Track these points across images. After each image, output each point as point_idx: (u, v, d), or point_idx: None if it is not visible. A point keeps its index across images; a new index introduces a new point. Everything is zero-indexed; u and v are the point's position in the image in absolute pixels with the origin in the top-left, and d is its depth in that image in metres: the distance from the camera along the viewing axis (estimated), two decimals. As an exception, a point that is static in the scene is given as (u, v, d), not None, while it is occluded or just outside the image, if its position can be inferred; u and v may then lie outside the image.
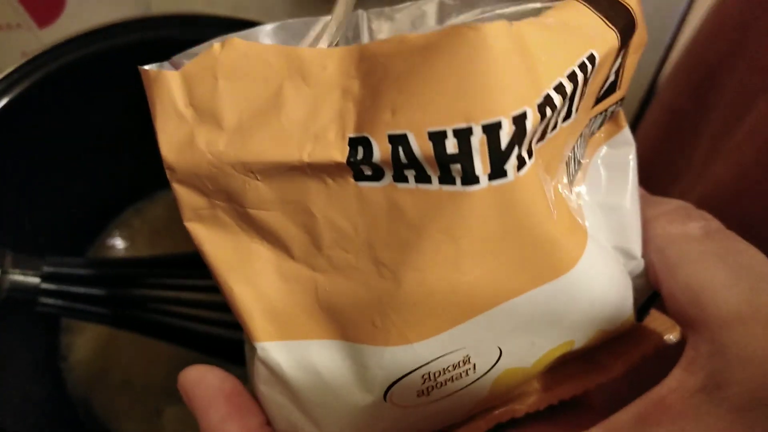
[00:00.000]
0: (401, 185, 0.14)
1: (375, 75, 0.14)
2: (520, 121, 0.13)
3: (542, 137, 0.14)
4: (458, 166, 0.13)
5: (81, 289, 0.27)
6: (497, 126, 0.13)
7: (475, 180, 0.13)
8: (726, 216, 0.20)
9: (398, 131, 0.13)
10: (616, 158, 0.19)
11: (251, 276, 0.16)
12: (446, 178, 0.13)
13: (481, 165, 0.13)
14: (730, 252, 0.16)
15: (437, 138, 0.13)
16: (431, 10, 0.19)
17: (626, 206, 0.18)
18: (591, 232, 0.16)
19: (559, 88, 0.14)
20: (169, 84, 0.15)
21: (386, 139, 0.13)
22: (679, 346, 0.16)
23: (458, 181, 0.13)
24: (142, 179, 0.38)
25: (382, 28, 0.19)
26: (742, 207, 0.30)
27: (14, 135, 0.30)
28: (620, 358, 0.19)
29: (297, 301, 0.16)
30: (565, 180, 0.17)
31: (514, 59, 0.13)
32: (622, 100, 0.18)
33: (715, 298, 0.16)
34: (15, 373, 0.31)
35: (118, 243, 0.37)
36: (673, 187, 0.34)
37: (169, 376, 0.34)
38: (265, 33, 0.18)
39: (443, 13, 0.18)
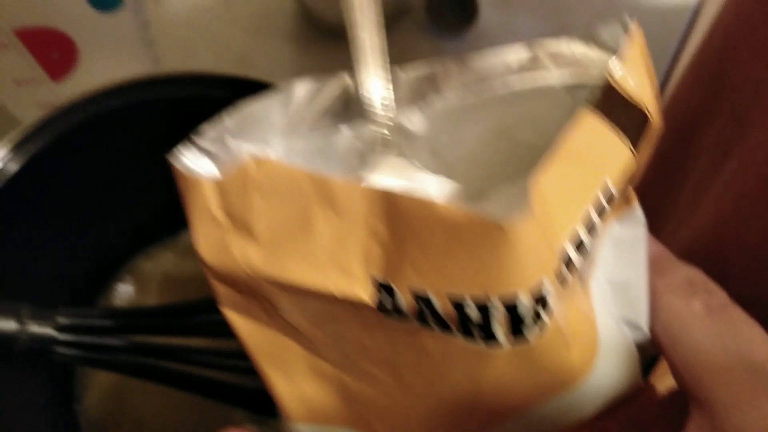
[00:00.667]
0: (426, 330, 0.15)
1: (401, 227, 0.14)
2: (537, 290, 0.14)
3: (563, 281, 0.15)
4: (480, 330, 0.14)
5: (96, 339, 0.28)
6: (516, 298, 0.13)
7: (496, 343, 0.14)
8: (707, 263, 0.20)
9: (421, 291, 0.14)
10: (627, 236, 0.19)
11: (284, 365, 0.17)
12: (469, 337, 0.14)
13: (501, 332, 0.14)
14: (731, 333, 0.17)
15: (459, 303, 0.14)
16: (446, 71, 0.20)
17: (636, 282, 0.19)
18: (599, 309, 0.17)
19: (577, 242, 0.14)
20: (204, 190, 0.16)
21: (410, 294, 0.14)
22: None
23: (481, 341, 0.14)
24: (153, 226, 0.40)
25: (395, 92, 0.20)
26: (723, 254, 0.31)
27: (30, 187, 0.31)
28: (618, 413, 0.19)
29: (325, 393, 0.17)
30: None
31: (534, 244, 0.13)
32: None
33: (715, 382, 0.16)
34: (29, 415, 0.32)
35: (129, 288, 0.38)
36: (658, 231, 0.35)
37: (182, 420, 0.35)
38: (275, 104, 0.19)
39: (456, 75, 0.20)
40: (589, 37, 0.19)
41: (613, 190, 0.16)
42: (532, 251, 0.13)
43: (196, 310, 0.30)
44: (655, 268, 0.19)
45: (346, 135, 0.19)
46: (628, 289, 0.18)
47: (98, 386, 0.36)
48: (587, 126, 0.15)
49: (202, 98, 0.32)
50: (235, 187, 0.15)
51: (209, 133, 0.18)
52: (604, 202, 0.15)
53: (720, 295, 0.18)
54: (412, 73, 0.21)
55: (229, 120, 0.18)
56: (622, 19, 0.19)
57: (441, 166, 0.21)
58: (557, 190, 0.14)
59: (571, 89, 0.19)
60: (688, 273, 0.19)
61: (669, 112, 0.40)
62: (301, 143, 0.19)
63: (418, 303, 0.14)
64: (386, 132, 0.20)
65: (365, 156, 0.20)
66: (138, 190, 0.37)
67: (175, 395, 0.35)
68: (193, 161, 0.17)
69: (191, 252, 0.41)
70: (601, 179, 0.15)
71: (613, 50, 0.19)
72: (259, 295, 0.16)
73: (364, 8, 0.20)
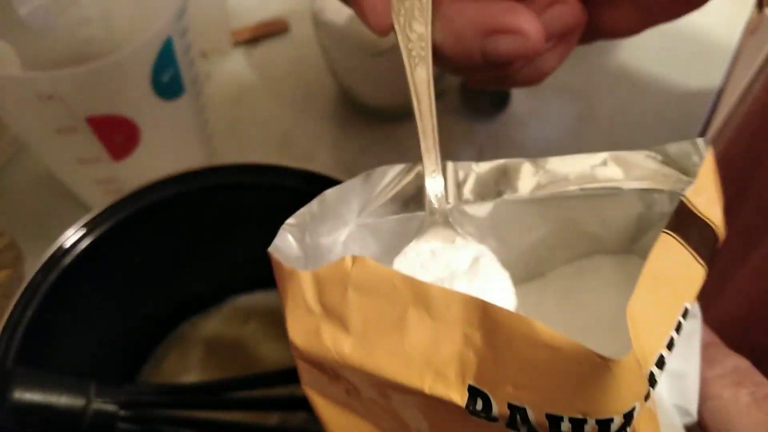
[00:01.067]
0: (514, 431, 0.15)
1: (497, 338, 0.15)
2: (630, 413, 0.15)
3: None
4: None
5: (156, 413, 0.30)
6: (609, 421, 0.14)
7: None
8: (736, 347, 0.22)
9: (518, 404, 0.15)
10: (687, 329, 0.19)
11: None
12: None
13: None
14: None
15: (555, 419, 0.14)
16: (521, 168, 0.21)
17: (691, 372, 0.20)
18: (658, 397, 0.18)
19: (660, 363, 0.16)
20: (301, 281, 0.17)
21: (506, 405, 0.15)
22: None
23: None
24: (196, 296, 0.42)
25: (468, 185, 0.21)
26: (750, 342, 0.32)
27: (94, 265, 0.34)
28: None
29: None
30: None
31: (632, 375, 0.14)
32: None
33: None
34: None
35: (174, 358, 0.40)
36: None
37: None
38: (356, 190, 0.20)
39: (531, 174, 0.21)
40: (661, 152, 0.21)
41: (689, 307, 0.17)
42: (630, 381, 0.14)
43: (252, 384, 0.31)
44: (705, 356, 0.20)
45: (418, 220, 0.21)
46: (683, 379, 0.20)
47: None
48: (668, 250, 0.17)
49: (257, 186, 0.34)
50: (331, 281, 0.16)
51: (300, 222, 0.19)
52: (682, 320, 0.16)
53: (766, 387, 0.19)
54: (486, 166, 0.22)
55: (314, 207, 0.20)
56: (694, 141, 0.20)
57: (505, 249, 0.22)
58: (647, 319, 0.15)
59: (641, 193, 0.21)
60: (736, 363, 0.20)
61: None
62: (378, 225, 0.21)
63: (512, 412, 0.15)
64: (440, 220, 0.21)
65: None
66: (188, 266, 0.39)
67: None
68: (290, 252, 0.18)
69: (234, 319, 0.43)
70: (682, 302, 0.16)
71: (683, 168, 0.20)
72: (346, 380, 0.17)
73: (428, 101, 0.22)
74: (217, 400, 0.31)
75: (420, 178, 0.21)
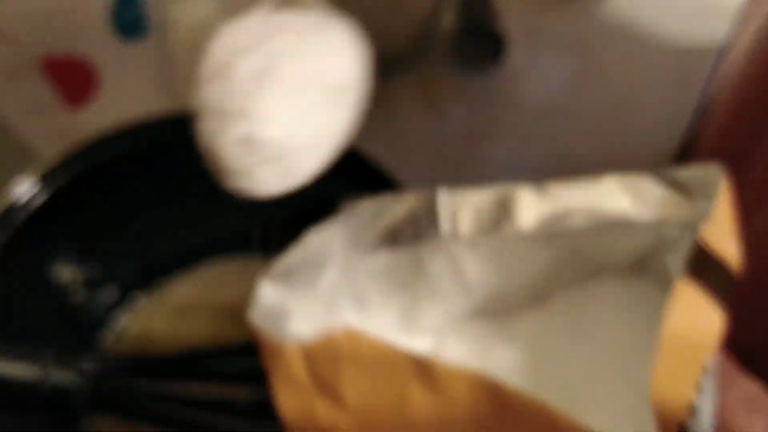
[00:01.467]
0: None
1: (508, 417, 0.14)
2: None
3: None
4: None
5: (122, 385, 0.27)
6: None
7: None
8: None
9: None
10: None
11: None
12: None
13: None
14: None
15: None
16: (522, 197, 0.20)
17: (705, 407, 0.19)
18: None
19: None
20: (288, 356, 0.16)
21: None
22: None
23: None
24: (164, 257, 0.38)
25: (463, 217, 0.19)
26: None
27: (50, 221, 0.30)
28: None
29: None
30: None
31: None
32: None
33: None
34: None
35: (138, 326, 0.37)
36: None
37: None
38: (338, 230, 0.20)
39: (533, 204, 0.20)
40: (671, 178, 0.20)
41: (709, 362, 0.17)
42: None
43: (225, 354, 0.29)
44: (721, 381, 0.20)
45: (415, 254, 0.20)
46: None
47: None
48: (686, 302, 0.16)
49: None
50: (323, 355, 0.15)
51: (282, 271, 0.18)
52: (702, 380, 0.16)
53: None
54: (483, 197, 0.20)
55: (296, 254, 0.19)
56: (709, 168, 0.20)
57: (505, 277, 0.21)
58: (668, 390, 0.14)
59: (652, 224, 0.20)
60: (751, 389, 0.20)
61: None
62: (367, 263, 0.20)
63: None
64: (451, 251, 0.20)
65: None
66: (154, 226, 0.35)
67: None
68: (273, 312, 0.17)
69: (207, 284, 0.39)
70: (702, 360, 0.16)
71: (695, 195, 0.19)
72: None
73: None
74: (190, 371, 0.28)
75: (410, 212, 0.20)
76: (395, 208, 0.20)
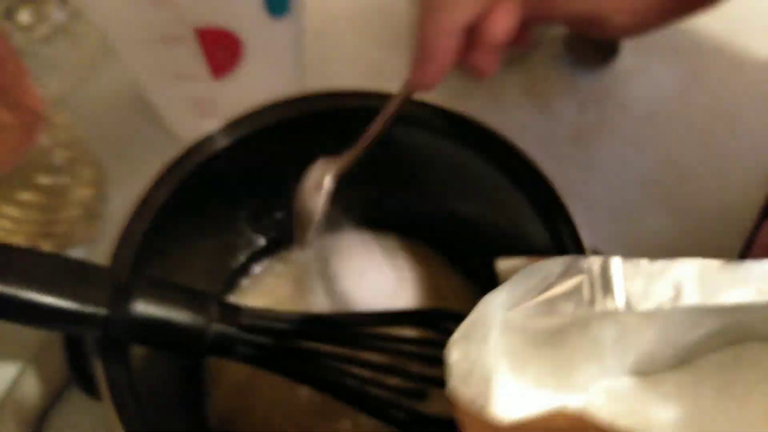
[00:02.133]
0: None
1: None
2: None
3: None
4: None
5: (273, 341, 0.28)
6: None
7: None
8: None
9: None
10: None
11: None
12: None
13: None
14: None
15: None
16: (689, 278, 0.19)
17: None
18: None
19: None
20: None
21: None
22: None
23: None
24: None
25: (635, 289, 0.20)
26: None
27: (197, 187, 0.32)
28: None
29: None
30: None
31: None
32: None
33: None
34: (163, 403, 0.32)
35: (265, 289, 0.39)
36: None
37: (310, 417, 0.35)
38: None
39: (705, 287, 0.19)
40: None
41: None
42: None
43: (369, 322, 0.30)
44: None
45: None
46: None
47: (227, 381, 0.37)
48: None
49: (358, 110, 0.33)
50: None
51: (464, 335, 0.19)
52: None
53: None
54: (659, 268, 0.20)
55: (474, 316, 0.19)
56: None
57: (663, 347, 0.22)
58: None
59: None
60: None
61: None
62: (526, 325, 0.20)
63: None
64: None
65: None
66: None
67: (302, 396, 0.35)
68: (473, 389, 0.18)
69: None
70: None
71: None
72: None
73: None
74: (338, 335, 0.30)
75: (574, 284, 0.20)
76: (563, 277, 0.20)
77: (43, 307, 0.23)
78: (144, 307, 0.25)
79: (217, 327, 0.27)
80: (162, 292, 0.26)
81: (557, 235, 0.29)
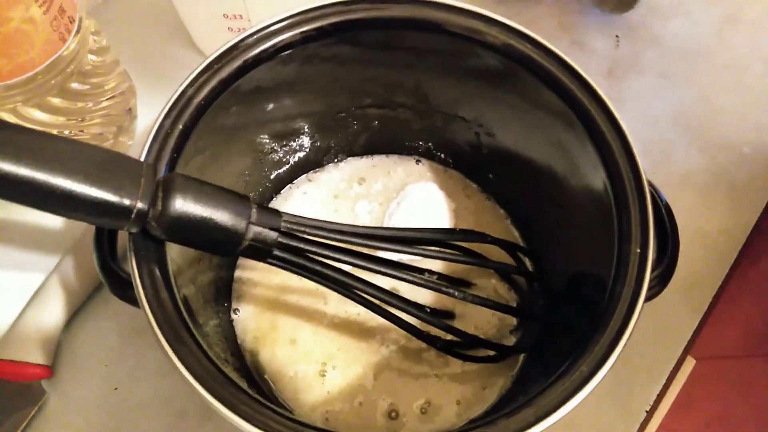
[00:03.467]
0: None
1: None
2: None
3: None
4: None
5: (309, 247, 0.28)
6: None
7: None
8: None
9: None
10: None
11: None
12: None
13: None
14: None
15: None
16: None
17: None
18: None
19: None
20: None
21: None
22: None
23: None
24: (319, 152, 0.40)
25: None
26: None
27: (236, 89, 0.31)
28: None
29: None
30: None
31: None
32: None
33: None
34: (206, 316, 0.33)
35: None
36: None
37: (335, 343, 0.36)
38: None
39: None
40: None
41: None
42: None
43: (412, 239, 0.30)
44: None
45: None
46: None
47: (253, 301, 0.37)
48: None
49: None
50: None
51: None
52: None
53: None
54: None
55: None
56: None
57: None
58: None
59: None
60: None
61: None
62: None
63: None
64: None
65: None
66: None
67: (325, 318, 0.36)
68: None
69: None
70: None
71: None
72: None
73: None
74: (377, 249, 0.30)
75: None
76: None
77: (82, 198, 0.23)
78: (184, 204, 0.25)
79: (256, 229, 0.27)
80: (202, 190, 0.26)
81: (614, 168, 0.28)
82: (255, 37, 0.30)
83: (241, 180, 0.36)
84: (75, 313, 0.37)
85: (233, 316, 0.37)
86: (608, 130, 0.29)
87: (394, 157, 0.42)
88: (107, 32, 0.42)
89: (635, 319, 0.25)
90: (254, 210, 0.27)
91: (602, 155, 0.29)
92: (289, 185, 0.41)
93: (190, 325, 0.26)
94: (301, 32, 0.31)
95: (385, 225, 0.39)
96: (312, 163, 0.41)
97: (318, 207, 0.40)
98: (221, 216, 0.26)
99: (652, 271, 0.27)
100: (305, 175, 0.41)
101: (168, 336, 0.24)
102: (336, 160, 0.42)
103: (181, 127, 0.28)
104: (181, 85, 0.29)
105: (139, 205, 0.24)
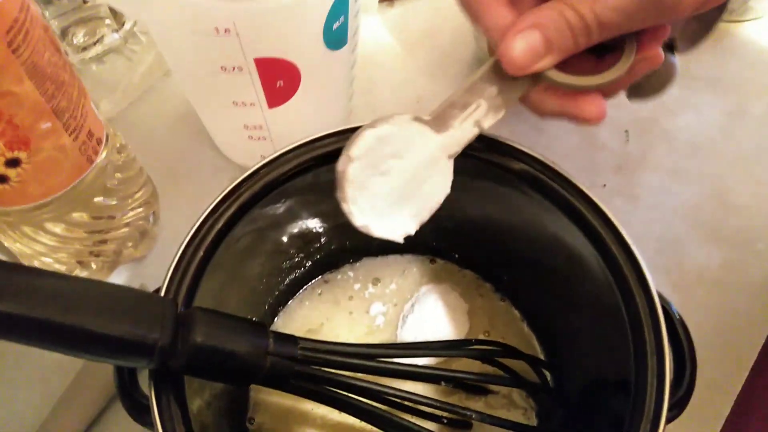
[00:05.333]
0: None
1: None
2: None
3: None
4: None
5: (328, 374, 0.29)
6: None
7: None
8: None
9: None
10: None
11: None
12: None
13: None
14: None
15: None
16: None
17: None
18: None
19: None
20: None
21: None
22: None
23: None
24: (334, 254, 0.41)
25: None
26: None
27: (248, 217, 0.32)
28: None
29: None
30: None
31: None
32: None
33: None
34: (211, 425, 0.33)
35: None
36: None
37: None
38: None
39: None
40: None
41: None
42: None
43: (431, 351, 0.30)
44: None
45: None
46: None
47: (270, 409, 0.37)
48: None
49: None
50: None
51: None
52: None
53: None
54: None
55: None
56: None
57: None
58: None
59: None
60: None
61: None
62: None
63: None
64: None
65: None
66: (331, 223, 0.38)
67: (342, 426, 0.36)
68: None
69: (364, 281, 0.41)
70: None
71: None
72: None
73: None
74: (394, 368, 0.30)
75: None
76: None
77: (107, 339, 0.23)
78: (204, 338, 0.25)
79: (273, 358, 0.27)
80: (220, 322, 0.26)
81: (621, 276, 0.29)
82: (274, 164, 0.32)
83: (258, 286, 0.37)
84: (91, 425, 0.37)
85: (248, 426, 0.37)
86: (613, 243, 0.30)
87: (408, 256, 0.43)
88: (130, 137, 0.44)
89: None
90: (271, 340, 0.27)
91: (613, 274, 0.30)
92: (304, 287, 0.42)
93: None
94: (313, 157, 0.32)
95: (399, 326, 0.40)
96: (328, 265, 0.42)
97: (332, 308, 0.41)
98: (239, 348, 0.26)
99: (670, 398, 0.27)
100: (321, 276, 0.42)
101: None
102: (351, 261, 0.43)
103: (201, 253, 0.29)
104: (202, 214, 0.30)
105: (160, 342, 0.25)
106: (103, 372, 0.37)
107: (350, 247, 0.41)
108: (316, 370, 0.28)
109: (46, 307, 0.22)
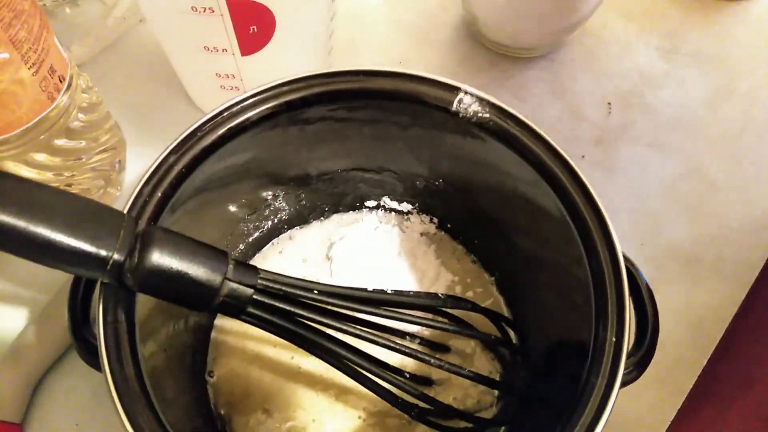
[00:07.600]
0: None
1: None
2: None
3: None
4: None
5: (285, 306, 0.28)
6: None
7: None
8: None
9: None
10: None
11: None
12: None
13: None
14: None
15: None
16: None
17: None
18: None
19: None
20: None
21: None
22: None
23: None
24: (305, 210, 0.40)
25: None
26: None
27: (216, 157, 0.31)
28: None
29: None
30: None
31: None
32: None
33: None
34: (176, 383, 0.32)
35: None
36: None
37: (309, 413, 0.35)
38: None
39: None
40: None
41: None
42: None
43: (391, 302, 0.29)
44: None
45: None
46: None
47: (228, 365, 0.36)
48: None
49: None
50: None
51: None
52: None
53: None
54: None
55: None
56: None
57: None
58: None
59: None
60: None
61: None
62: None
63: None
64: None
65: None
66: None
67: (300, 393, 0.35)
68: None
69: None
70: None
71: None
72: None
73: None
74: (354, 310, 0.29)
75: None
76: None
77: (61, 247, 0.23)
78: (160, 257, 0.24)
79: (231, 285, 0.26)
80: (180, 244, 0.25)
81: (592, 247, 0.28)
82: (240, 106, 0.31)
83: (224, 239, 0.36)
84: (48, 369, 0.36)
85: (207, 378, 0.36)
86: (584, 205, 0.29)
87: (380, 213, 0.42)
88: (101, 84, 0.43)
89: (609, 409, 0.25)
90: (231, 266, 0.27)
91: (579, 231, 0.29)
92: (270, 242, 0.41)
93: (152, 397, 0.25)
94: (286, 101, 0.31)
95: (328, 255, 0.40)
96: (297, 221, 0.41)
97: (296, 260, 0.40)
98: (196, 270, 0.26)
99: (628, 358, 0.26)
100: (289, 232, 0.41)
101: (126, 406, 0.25)
102: (322, 218, 0.42)
103: (163, 187, 0.28)
104: (167, 146, 0.29)
105: (116, 256, 0.24)
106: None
107: (320, 204, 0.41)
108: (274, 300, 0.28)
109: (8, 211, 0.22)
